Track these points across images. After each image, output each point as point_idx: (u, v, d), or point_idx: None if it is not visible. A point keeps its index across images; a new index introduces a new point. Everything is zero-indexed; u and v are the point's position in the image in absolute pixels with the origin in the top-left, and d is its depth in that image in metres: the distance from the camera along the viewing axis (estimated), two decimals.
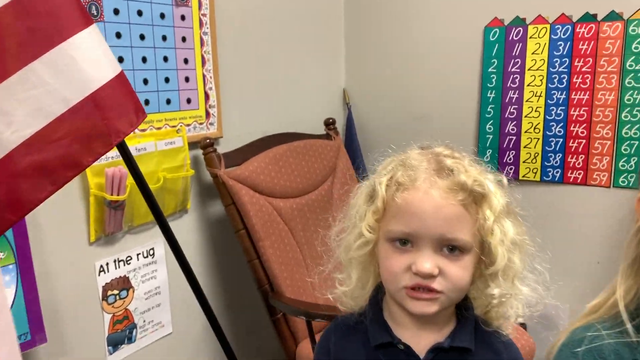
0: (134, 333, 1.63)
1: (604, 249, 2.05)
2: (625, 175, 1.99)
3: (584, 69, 1.99)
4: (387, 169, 0.80)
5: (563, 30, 2.00)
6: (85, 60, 1.05)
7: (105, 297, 1.54)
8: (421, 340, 0.79)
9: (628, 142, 1.97)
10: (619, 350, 0.61)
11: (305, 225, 1.89)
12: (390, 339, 0.79)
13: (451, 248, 0.74)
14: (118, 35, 1.49)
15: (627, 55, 1.92)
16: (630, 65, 1.92)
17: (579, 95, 2.01)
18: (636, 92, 1.93)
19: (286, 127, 2.07)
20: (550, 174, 2.10)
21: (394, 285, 0.77)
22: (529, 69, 2.08)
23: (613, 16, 1.92)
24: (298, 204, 1.89)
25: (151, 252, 1.67)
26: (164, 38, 1.62)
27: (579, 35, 1.98)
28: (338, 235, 0.87)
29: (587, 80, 1.99)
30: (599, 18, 1.95)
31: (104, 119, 1.06)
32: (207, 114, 1.79)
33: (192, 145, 1.74)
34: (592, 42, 1.96)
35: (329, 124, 2.18)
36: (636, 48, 1.91)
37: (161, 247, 1.69)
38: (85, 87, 1.04)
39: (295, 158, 1.92)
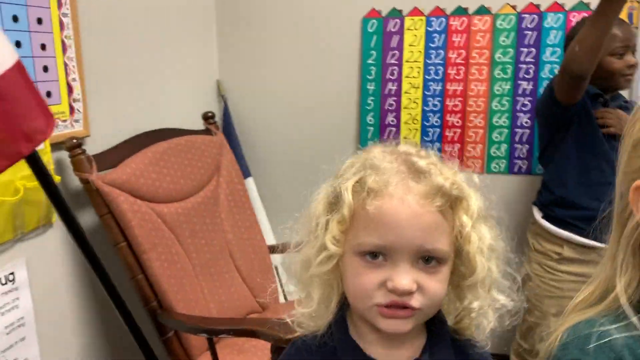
0: None
1: None
2: (496, 161, 2.11)
3: (457, 61, 2.07)
4: (350, 172, 0.70)
5: (438, 22, 2.06)
6: None
7: None
8: (395, 358, 0.71)
9: (498, 130, 2.09)
10: (630, 344, 0.59)
11: (192, 232, 1.71)
12: None
13: (427, 259, 0.66)
14: None
15: (496, 47, 2.03)
16: (499, 58, 2.04)
17: (454, 86, 2.09)
18: (504, 82, 2.05)
19: (160, 123, 1.86)
20: None
21: (364, 303, 0.67)
22: (406, 61, 2.11)
23: (482, 10, 2.02)
24: (183, 208, 1.70)
25: (10, 277, 1.38)
26: (15, 19, 1.34)
27: (453, 28, 2.05)
28: (294, 249, 0.75)
29: (461, 72, 2.07)
30: (470, 12, 2.03)
31: None
32: (71, 110, 1.53)
33: (55, 146, 1.47)
34: (465, 34, 2.04)
35: (208, 117, 2.01)
36: (503, 41, 2.02)
37: (23, 269, 1.41)
38: None
39: (177, 157, 1.73)
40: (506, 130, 2.08)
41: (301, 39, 2.21)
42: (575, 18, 1.93)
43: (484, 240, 0.69)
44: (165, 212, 1.64)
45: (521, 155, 2.08)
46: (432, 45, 2.07)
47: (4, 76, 0.80)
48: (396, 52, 2.11)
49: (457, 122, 2.11)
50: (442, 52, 2.07)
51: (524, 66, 2.02)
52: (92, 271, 1.66)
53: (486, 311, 0.71)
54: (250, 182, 2.18)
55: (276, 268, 2.13)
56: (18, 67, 0.84)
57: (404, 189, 0.66)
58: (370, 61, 2.14)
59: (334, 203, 0.70)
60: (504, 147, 2.09)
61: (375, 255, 0.66)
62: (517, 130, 2.07)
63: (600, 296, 0.66)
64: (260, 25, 2.24)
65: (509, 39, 2.01)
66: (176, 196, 1.69)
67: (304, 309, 0.74)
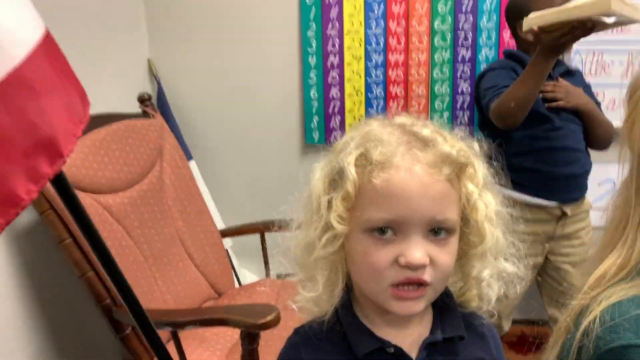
0: None
1: None
2: None
3: (398, 30, 2.06)
4: (351, 146, 0.66)
5: None
6: None
7: None
8: (406, 338, 0.69)
9: (440, 98, 2.11)
10: None
11: (141, 222, 1.61)
12: (380, 344, 0.67)
13: (436, 231, 0.64)
14: None
15: (434, 16, 2.04)
16: (438, 26, 2.04)
17: (395, 57, 2.08)
18: (443, 50, 2.07)
19: (92, 108, 1.72)
20: None
21: (377, 284, 0.64)
22: (347, 32, 2.07)
23: None
24: (129, 197, 1.60)
25: None
26: None
27: None
28: (292, 233, 0.70)
29: (402, 41, 2.07)
30: None
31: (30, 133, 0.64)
32: None
33: None
34: (404, 3, 2.03)
35: (144, 100, 1.89)
36: (441, 9, 2.03)
37: None
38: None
39: (117, 144, 1.62)
40: (448, 98, 2.11)
41: (237, 12, 2.12)
42: None
43: (491, 207, 0.68)
44: (111, 203, 1.53)
45: (463, 122, 2.12)
46: (371, 15, 2.05)
47: (32, 58, 0.65)
48: (336, 23, 2.06)
49: (400, 92, 2.11)
50: (382, 22, 2.05)
51: (463, 33, 2.04)
52: (36, 274, 1.54)
53: (492, 281, 0.71)
54: (193, 166, 2.08)
55: (227, 252, 2.06)
56: (46, 40, 0.70)
57: (411, 159, 0.63)
58: (309, 33, 2.08)
59: (336, 180, 0.66)
60: (446, 114, 2.12)
61: (383, 230, 0.63)
62: (458, 97, 2.10)
63: (635, 272, 0.62)
64: (193, 2, 2.12)
65: (447, 6, 2.02)
66: (121, 185, 1.59)
67: (308, 294, 0.70)
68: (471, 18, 2.02)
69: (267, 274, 1.96)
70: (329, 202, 0.66)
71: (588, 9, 1.32)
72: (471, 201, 0.66)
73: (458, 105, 2.10)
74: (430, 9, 2.03)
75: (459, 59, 2.06)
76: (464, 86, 2.08)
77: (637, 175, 0.63)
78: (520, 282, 0.71)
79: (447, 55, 2.06)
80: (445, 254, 0.65)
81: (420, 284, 0.63)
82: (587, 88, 1.75)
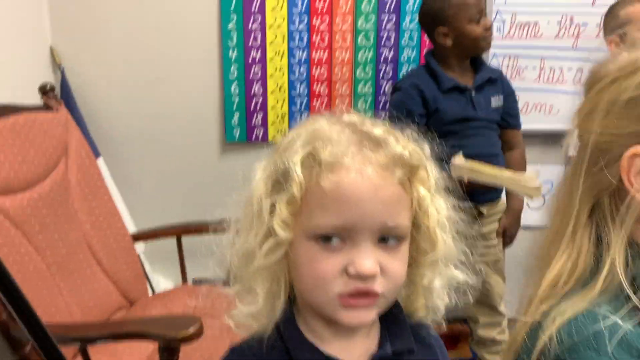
0: None
1: None
2: None
3: (322, 27, 2.01)
4: (297, 145, 0.60)
5: None
6: None
7: None
8: (353, 352, 0.64)
9: (363, 98, 2.10)
10: None
11: (42, 226, 1.46)
12: None
13: (386, 238, 0.59)
14: None
15: (358, 14, 2.01)
16: (361, 25, 2.03)
17: (319, 54, 2.04)
18: (367, 50, 2.05)
19: None
20: None
21: (323, 295, 0.59)
22: (270, 27, 2.00)
23: None
24: (29, 199, 1.43)
25: None
26: None
27: None
28: (229, 239, 0.63)
29: (326, 39, 2.03)
30: None
31: None
32: None
33: None
34: (327, 0, 1.99)
35: (47, 91, 1.71)
36: (365, 8, 2.01)
37: None
38: None
39: (15, 139, 1.45)
40: (370, 98, 2.10)
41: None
42: None
43: (442, 212, 0.64)
44: (7, 206, 1.37)
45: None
46: (295, 10, 1.99)
47: None
48: (258, 16, 1.99)
49: (324, 90, 2.07)
50: (305, 17, 2.00)
51: (386, 33, 2.03)
52: None
53: (441, 291, 0.67)
54: (100, 164, 1.92)
55: (139, 257, 1.93)
56: None
57: (362, 161, 0.58)
58: (230, 26, 1.99)
59: (278, 182, 0.59)
60: (368, 115, 2.10)
61: (328, 238, 0.58)
62: (380, 98, 2.10)
63: (584, 278, 0.60)
64: None
65: (371, 5, 2.00)
66: (19, 185, 1.42)
67: (247, 308, 0.63)
68: (394, 18, 2.01)
69: (184, 280, 1.84)
70: (272, 206, 0.59)
71: (517, 187, 1.51)
72: (423, 206, 0.62)
73: (380, 106, 2.10)
74: (354, 7, 2.00)
75: (382, 59, 2.05)
76: (386, 87, 2.08)
77: (587, 166, 0.61)
78: (470, 290, 0.67)
79: (370, 54, 2.05)
80: (397, 262, 0.60)
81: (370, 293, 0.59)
82: (509, 96, 1.77)
